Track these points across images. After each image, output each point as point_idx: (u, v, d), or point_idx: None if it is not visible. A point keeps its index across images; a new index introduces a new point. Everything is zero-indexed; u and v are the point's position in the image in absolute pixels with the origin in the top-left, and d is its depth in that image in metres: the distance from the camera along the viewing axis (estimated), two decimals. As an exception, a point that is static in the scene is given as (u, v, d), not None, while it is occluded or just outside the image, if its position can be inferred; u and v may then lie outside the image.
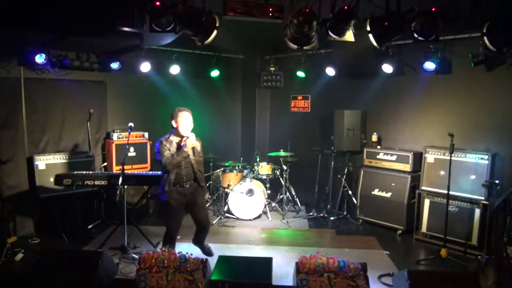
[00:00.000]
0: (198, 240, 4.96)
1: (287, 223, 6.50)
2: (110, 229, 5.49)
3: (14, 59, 5.53)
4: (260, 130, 8.62)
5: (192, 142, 4.41)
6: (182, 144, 4.39)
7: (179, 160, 4.36)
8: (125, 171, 5.01)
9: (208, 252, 4.98)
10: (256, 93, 8.50)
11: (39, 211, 5.84)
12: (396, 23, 3.80)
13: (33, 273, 3.87)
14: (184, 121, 4.41)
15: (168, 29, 3.82)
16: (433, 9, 3.66)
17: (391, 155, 6.27)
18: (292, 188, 7.29)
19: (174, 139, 4.46)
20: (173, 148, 4.40)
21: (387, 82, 6.46)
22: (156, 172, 5.52)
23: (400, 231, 6.07)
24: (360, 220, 6.56)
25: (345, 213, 6.81)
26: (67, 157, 6.02)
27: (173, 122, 4.44)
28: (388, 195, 6.22)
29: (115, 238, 5.23)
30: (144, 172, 5.88)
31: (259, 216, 6.69)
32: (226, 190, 6.71)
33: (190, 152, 4.46)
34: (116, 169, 6.29)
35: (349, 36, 4.00)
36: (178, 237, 4.75)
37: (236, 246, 5.46)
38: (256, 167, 7.05)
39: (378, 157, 6.42)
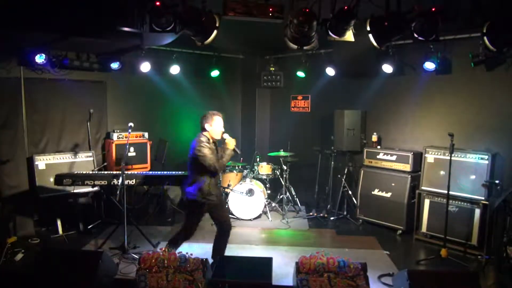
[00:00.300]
0: (220, 245, 4.67)
1: (287, 223, 6.51)
2: (110, 229, 5.49)
3: (14, 59, 5.55)
4: (260, 130, 8.62)
5: (233, 143, 4.42)
6: (230, 144, 4.39)
7: (226, 162, 4.40)
8: (126, 171, 5.00)
9: None
10: (256, 93, 8.50)
11: (39, 211, 5.85)
12: (396, 23, 3.81)
13: (33, 273, 3.87)
14: (219, 124, 4.42)
15: (168, 29, 3.83)
16: (433, 9, 3.66)
17: (391, 155, 6.27)
18: (292, 188, 7.28)
19: (211, 141, 4.41)
20: (214, 150, 4.37)
21: (387, 82, 6.46)
22: (156, 172, 5.53)
23: (400, 231, 6.07)
24: (360, 220, 6.56)
25: (345, 213, 6.81)
26: (67, 157, 6.01)
27: (206, 125, 4.37)
28: (388, 195, 6.21)
29: (115, 238, 5.24)
30: (144, 172, 5.86)
31: (259, 216, 6.69)
32: (226, 190, 6.71)
33: None
34: (116, 169, 6.28)
35: (349, 36, 4.00)
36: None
37: (236, 246, 5.44)
38: (256, 167, 7.05)
39: (378, 157, 6.42)
